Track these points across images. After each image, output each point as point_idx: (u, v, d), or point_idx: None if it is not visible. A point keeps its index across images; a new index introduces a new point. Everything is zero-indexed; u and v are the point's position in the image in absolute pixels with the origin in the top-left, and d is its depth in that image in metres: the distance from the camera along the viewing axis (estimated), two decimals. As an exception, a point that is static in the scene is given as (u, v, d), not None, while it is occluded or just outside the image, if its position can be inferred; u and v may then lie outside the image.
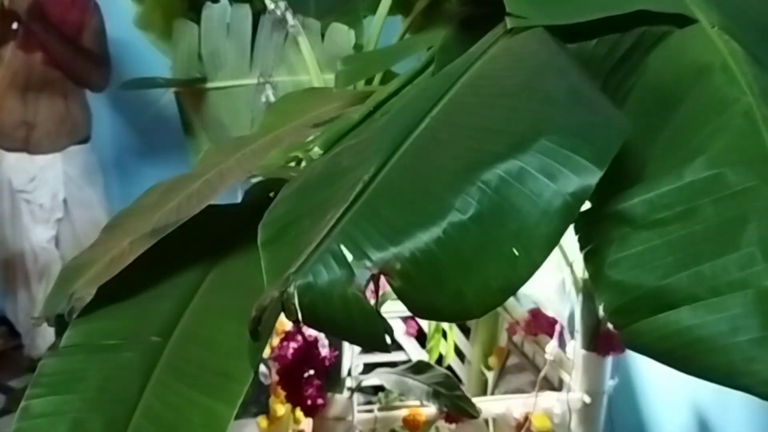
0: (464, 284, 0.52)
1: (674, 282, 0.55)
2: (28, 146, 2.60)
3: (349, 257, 0.52)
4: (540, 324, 2.03)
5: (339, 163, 0.62)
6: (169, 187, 1.12)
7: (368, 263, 0.52)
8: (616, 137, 0.55)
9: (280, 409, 2.18)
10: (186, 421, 0.76)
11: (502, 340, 2.34)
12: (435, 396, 1.39)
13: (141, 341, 0.84)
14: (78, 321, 0.88)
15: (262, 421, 2.26)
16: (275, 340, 2.11)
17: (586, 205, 0.59)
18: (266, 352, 2.09)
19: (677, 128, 0.62)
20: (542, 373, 1.72)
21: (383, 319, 0.57)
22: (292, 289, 0.52)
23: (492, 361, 2.32)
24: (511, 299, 2.32)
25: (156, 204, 1.08)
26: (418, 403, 1.60)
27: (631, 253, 0.57)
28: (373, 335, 0.56)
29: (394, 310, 2.23)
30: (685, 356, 0.55)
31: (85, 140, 2.76)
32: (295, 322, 0.53)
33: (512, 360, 2.27)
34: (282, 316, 0.57)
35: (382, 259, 0.52)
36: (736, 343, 0.53)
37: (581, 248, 0.60)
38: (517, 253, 0.50)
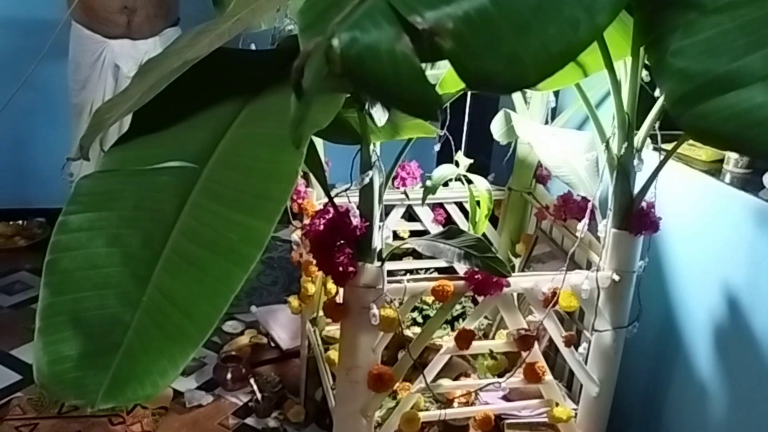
0: (521, 47, 0.48)
1: (745, 64, 0.51)
2: (129, 32, 2.71)
3: (398, 14, 0.48)
4: (570, 208, 2.01)
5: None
6: (199, 31, 1.09)
7: (419, 20, 0.49)
8: None
9: (311, 287, 2.22)
10: (223, 237, 0.75)
11: (530, 228, 2.33)
12: (466, 257, 1.39)
13: (176, 167, 0.83)
14: (112, 150, 0.88)
15: (294, 300, 2.31)
16: (306, 220, 2.12)
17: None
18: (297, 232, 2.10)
19: None
20: (572, 250, 1.71)
21: (432, 84, 0.54)
22: (336, 41, 0.49)
23: (519, 248, 2.32)
24: (540, 187, 2.29)
25: (187, 45, 1.05)
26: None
27: (697, 39, 0.53)
28: (421, 97, 0.53)
29: (422, 197, 2.22)
30: (755, 136, 0.51)
31: (176, 23, 2.85)
32: (341, 76, 0.50)
33: (540, 249, 2.27)
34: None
35: (434, 18, 0.48)
36: (814, 118, 0.49)
37: (643, 40, 0.56)
38: (578, 15, 0.47)
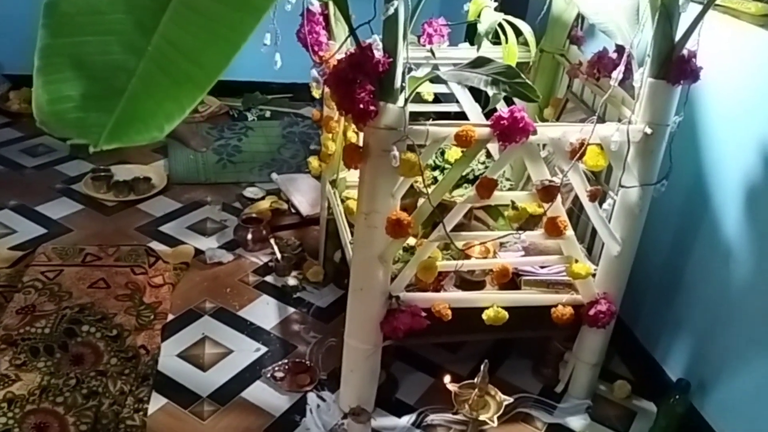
0: None
1: None
2: None
3: None
4: (605, 65, 1.91)
5: None
6: None
7: None
8: None
9: (331, 145, 2.18)
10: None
11: (561, 92, 2.24)
12: (494, 83, 1.32)
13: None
14: None
15: (314, 161, 2.27)
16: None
17: None
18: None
19: None
20: (605, 98, 1.63)
21: None
22: None
23: (547, 113, 2.24)
24: (574, 48, 2.18)
25: None
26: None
27: None
28: None
29: (451, 56, 2.13)
30: None
31: None
32: None
33: (569, 115, 2.18)
34: None
35: None
36: None
37: None
38: None
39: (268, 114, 3.75)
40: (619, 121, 1.74)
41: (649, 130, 1.63)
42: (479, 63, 1.37)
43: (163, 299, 2.23)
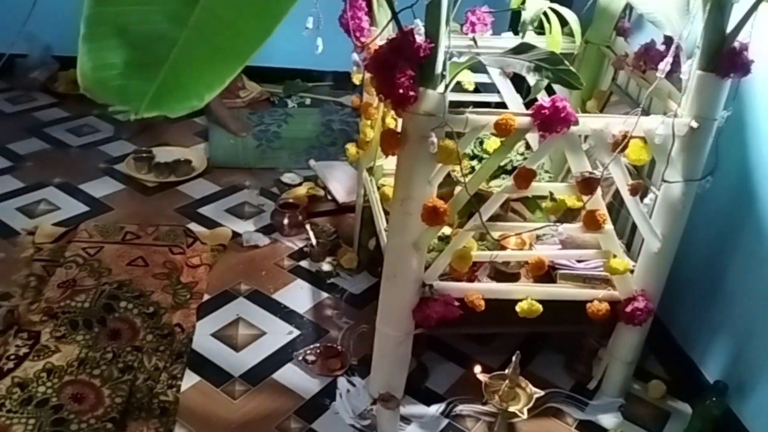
0: None
1: None
2: None
3: None
4: (651, 56, 1.87)
5: None
6: None
7: None
8: None
9: (370, 132, 2.17)
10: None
11: (605, 84, 2.20)
12: (537, 70, 1.30)
13: None
14: None
15: (351, 147, 2.27)
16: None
17: None
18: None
19: None
20: (651, 89, 1.59)
21: None
22: None
23: (590, 105, 2.20)
24: (620, 40, 2.13)
25: None
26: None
27: None
28: None
29: (494, 45, 2.10)
30: None
31: None
32: None
33: (613, 109, 2.14)
34: None
35: None
36: None
37: None
38: None
39: (308, 101, 3.76)
40: (665, 114, 1.70)
41: (695, 124, 1.58)
42: (522, 49, 1.35)
43: (200, 279, 2.27)
